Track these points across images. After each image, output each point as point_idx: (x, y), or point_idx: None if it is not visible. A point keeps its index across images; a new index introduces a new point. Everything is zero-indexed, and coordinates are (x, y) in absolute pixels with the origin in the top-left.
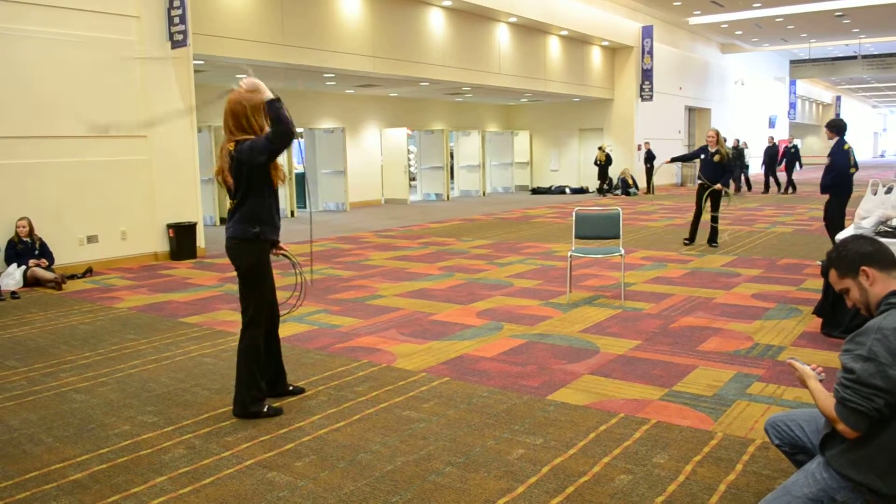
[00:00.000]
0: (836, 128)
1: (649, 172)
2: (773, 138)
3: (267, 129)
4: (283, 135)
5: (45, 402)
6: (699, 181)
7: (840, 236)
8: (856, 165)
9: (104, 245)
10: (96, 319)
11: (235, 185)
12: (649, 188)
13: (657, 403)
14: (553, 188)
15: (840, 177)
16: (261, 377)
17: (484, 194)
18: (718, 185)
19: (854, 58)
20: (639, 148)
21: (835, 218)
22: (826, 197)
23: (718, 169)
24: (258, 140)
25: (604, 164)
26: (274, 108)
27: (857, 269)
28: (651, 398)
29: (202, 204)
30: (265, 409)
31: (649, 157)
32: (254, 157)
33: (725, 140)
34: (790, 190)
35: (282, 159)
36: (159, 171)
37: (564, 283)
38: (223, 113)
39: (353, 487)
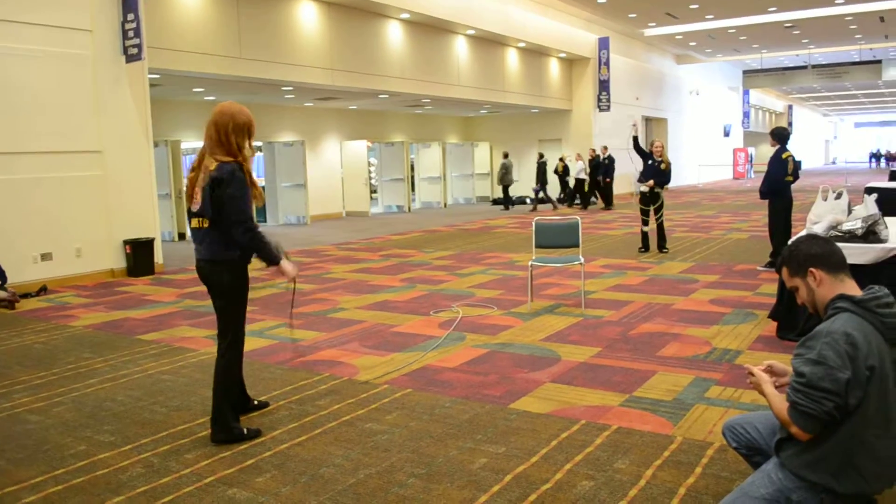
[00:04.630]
0: (778, 136)
1: (592, 182)
2: (594, 150)
3: (246, 149)
4: (251, 250)
5: None
6: (640, 190)
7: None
8: (794, 175)
9: (59, 262)
10: (51, 338)
11: (209, 207)
12: (577, 199)
13: (618, 409)
14: (514, 199)
15: (775, 184)
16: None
17: (445, 206)
18: (651, 182)
19: (804, 68)
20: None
21: (773, 223)
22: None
23: (660, 174)
24: (242, 203)
25: (562, 173)
26: (269, 256)
27: (805, 269)
28: (612, 404)
29: (160, 219)
30: (245, 431)
31: (597, 166)
32: (228, 206)
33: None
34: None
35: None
36: (115, 186)
37: (526, 292)
38: (207, 123)
39: (316, 502)
